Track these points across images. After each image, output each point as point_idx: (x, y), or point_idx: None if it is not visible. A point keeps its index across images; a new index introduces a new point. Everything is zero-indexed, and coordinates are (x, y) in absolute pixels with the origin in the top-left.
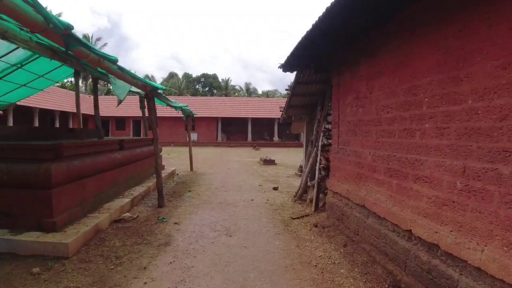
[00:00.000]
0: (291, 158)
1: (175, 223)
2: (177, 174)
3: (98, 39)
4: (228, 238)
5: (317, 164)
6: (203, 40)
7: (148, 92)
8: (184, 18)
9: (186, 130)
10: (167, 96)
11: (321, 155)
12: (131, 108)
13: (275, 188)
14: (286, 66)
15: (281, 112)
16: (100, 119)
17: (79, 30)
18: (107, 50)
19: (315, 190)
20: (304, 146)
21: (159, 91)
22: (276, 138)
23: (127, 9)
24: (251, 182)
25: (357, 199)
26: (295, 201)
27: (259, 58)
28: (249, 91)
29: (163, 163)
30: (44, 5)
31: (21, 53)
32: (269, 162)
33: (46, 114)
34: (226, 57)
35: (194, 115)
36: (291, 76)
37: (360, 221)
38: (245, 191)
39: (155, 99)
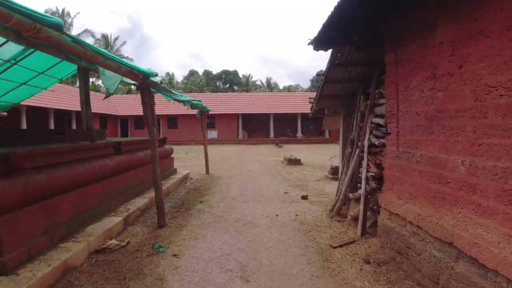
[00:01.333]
0: (317, 156)
1: (174, 255)
2: (191, 178)
3: (116, 38)
4: (244, 285)
5: (364, 171)
6: (223, 37)
7: (141, 81)
8: (203, 15)
9: (203, 128)
10: (182, 93)
11: (369, 160)
12: None
13: (304, 197)
14: (319, 41)
15: (311, 104)
16: (92, 118)
17: (98, 30)
18: (128, 50)
19: (361, 206)
20: (341, 145)
21: (152, 78)
22: (299, 134)
23: (147, 9)
24: (274, 188)
25: (437, 230)
26: (332, 217)
27: (279, 53)
28: (270, 86)
29: (175, 166)
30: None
31: (13, 48)
32: (294, 162)
33: (63, 115)
34: (246, 53)
35: (209, 111)
36: (313, 70)
37: (442, 264)
38: (267, 201)
39: (155, 90)
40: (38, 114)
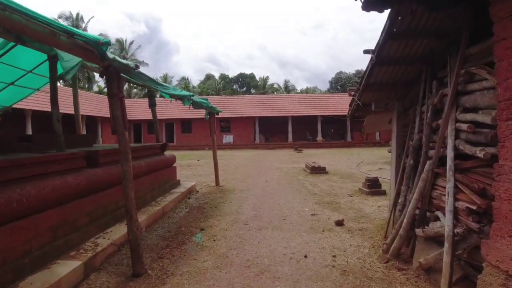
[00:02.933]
0: (342, 162)
1: None
2: (197, 191)
3: (131, 43)
4: None
5: (449, 199)
6: (238, 41)
7: (102, 63)
8: (219, 20)
9: (212, 132)
10: (200, 97)
11: (459, 181)
12: (163, 109)
13: (340, 223)
14: None
15: (351, 98)
16: (59, 120)
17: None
18: (145, 55)
19: (445, 256)
20: (394, 154)
21: (110, 55)
22: (319, 138)
23: (165, 14)
24: (298, 207)
25: None
26: (387, 261)
27: (296, 56)
28: (288, 89)
29: (179, 177)
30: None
31: None
32: (318, 170)
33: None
34: (263, 56)
35: (218, 112)
36: (330, 72)
37: None
38: (291, 228)
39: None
40: (46, 118)
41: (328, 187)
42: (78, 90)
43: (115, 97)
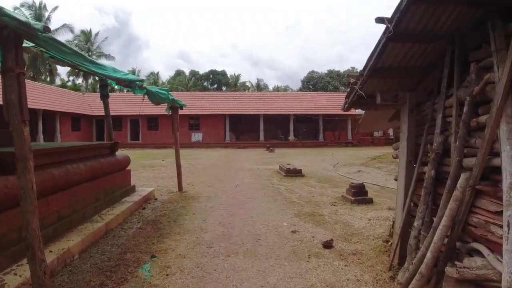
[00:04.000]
0: (318, 164)
1: None
2: (155, 199)
3: (97, 34)
4: None
5: (510, 235)
6: (211, 38)
7: None
8: (191, 16)
9: (174, 129)
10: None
11: None
12: (127, 104)
13: (328, 244)
14: None
15: (351, 88)
16: None
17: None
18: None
19: None
20: (403, 162)
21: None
22: (291, 137)
23: (135, 8)
24: (275, 221)
25: None
26: None
27: (268, 55)
28: (260, 88)
29: (134, 181)
30: None
31: None
32: (293, 172)
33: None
34: (235, 55)
35: (181, 106)
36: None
37: None
38: (267, 255)
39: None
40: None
41: (307, 193)
42: (34, 82)
43: (10, 73)
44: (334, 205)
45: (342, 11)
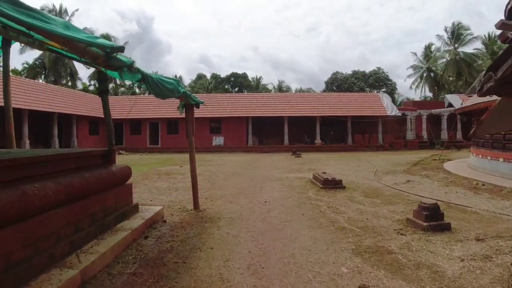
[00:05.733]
0: (354, 171)
1: None
2: (163, 221)
3: (126, 43)
4: None
5: None
6: (232, 43)
7: None
8: (211, 21)
9: (189, 132)
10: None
11: None
12: (146, 107)
13: None
14: None
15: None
16: None
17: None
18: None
19: None
20: None
21: None
22: (318, 141)
23: (157, 13)
24: (329, 267)
25: None
26: None
27: (289, 58)
28: (282, 90)
29: (138, 197)
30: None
31: None
32: (332, 184)
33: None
34: (256, 58)
35: (198, 104)
36: (323, 75)
37: None
38: None
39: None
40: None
41: (357, 213)
42: (48, 84)
43: None
44: (402, 234)
45: (362, 13)
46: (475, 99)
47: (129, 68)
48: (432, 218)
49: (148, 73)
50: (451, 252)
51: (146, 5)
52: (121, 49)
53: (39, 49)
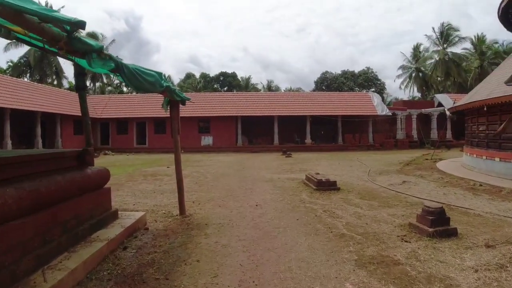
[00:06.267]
0: (347, 171)
1: None
2: (145, 229)
3: (104, 38)
4: None
5: None
6: (221, 43)
7: None
8: (200, 21)
9: (174, 130)
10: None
11: None
12: (133, 106)
13: None
14: None
15: None
16: None
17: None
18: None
19: None
20: None
21: None
22: (308, 140)
23: (145, 13)
24: (332, 283)
25: None
26: None
27: (279, 58)
28: (271, 90)
29: (123, 200)
30: None
31: None
32: (326, 185)
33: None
34: (245, 58)
35: (183, 100)
36: (313, 75)
37: None
38: None
39: None
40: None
41: (356, 218)
42: (32, 83)
43: None
44: (406, 241)
45: (351, 14)
46: (472, 98)
47: (98, 54)
48: (438, 223)
49: (123, 62)
50: (462, 262)
51: (135, 5)
52: (81, 24)
53: (6, 38)
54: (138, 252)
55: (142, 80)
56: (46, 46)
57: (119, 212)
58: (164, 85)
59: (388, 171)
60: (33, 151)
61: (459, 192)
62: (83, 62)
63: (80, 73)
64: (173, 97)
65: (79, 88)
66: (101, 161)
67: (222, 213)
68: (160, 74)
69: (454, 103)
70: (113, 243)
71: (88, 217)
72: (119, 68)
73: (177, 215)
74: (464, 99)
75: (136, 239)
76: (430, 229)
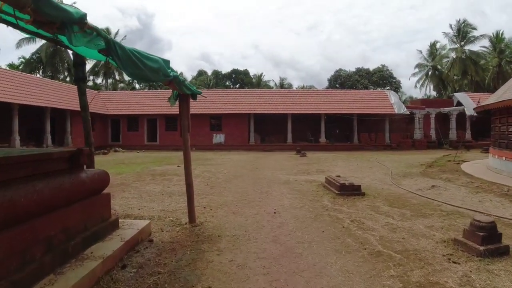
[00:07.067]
0: (367, 173)
1: None
2: (151, 240)
3: (116, 33)
4: None
5: None
6: (232, 40)
7: None
8: (211, 19)
9: (183, 128)
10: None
11: None
12: (144, 103)
13: None
14: None
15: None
16: None
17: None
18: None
19: None
20: None
21: None
22: (323, 139)
23: (157, 10)
24: None
25: None
26: None
27: (290, 56)
28: (284, 87)
29: (126, 205)
30: None
31: None
32: (349, 190)
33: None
34: (256, 56)
35: (195, 94)
36: (325, 73)
37: None
38: None
39: None
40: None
41: (389, 230)
42: (42, 78)
43: None
44: (455, 262)
45: (363, 11)
46: (503, 96)
47: (80, 26)
48: (489, 240)
49: (117, 41)
50: None
51: (147, 2)
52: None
53: None
54: (138, 272)
55: (141, 66)
56: (41, 32)
57: (120, 221)
58: (172, 74)
59: (411, 173)
60: (11, 152)
61: (494, 199)
62: (80, 50)
63: (78, 63)
64: (182, 90)
65: (78, 79)
66: (110, 159)
67: (237, 222)
68: (166, 62)
69: (479, 102)
70: (110, 260)
71: (81, 229)
72: (111, 48)
73: (186, 224)
74: (493, 98)
75: (138, 254)
76: (481, 248)
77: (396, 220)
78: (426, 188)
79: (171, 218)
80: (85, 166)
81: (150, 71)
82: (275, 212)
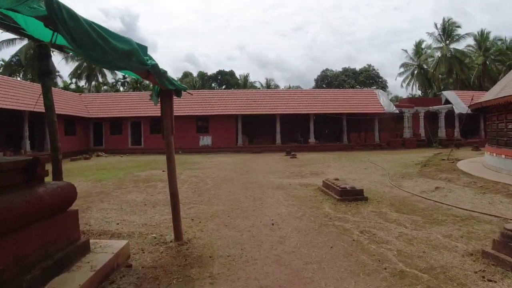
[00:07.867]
0: (363, 174)
1: None
2: (129, 265)
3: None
4: None
5: None
6: (217, 42)
7: None
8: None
9: (166, 128)
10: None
11: None
12: (128, 105)
13: None
14: None
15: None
16: None
17: None
18: None
19: None
20: None
21: None
22: (312, 140)
23: (141, 12)
24: None
25: None
26: None
27: (276, 57)
28: (270, 88)
29: (91, 221)
30: None
31: None
32: (351, 194)
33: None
34: (242, 57)
35: (179, 90)
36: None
37: None
38: None
39: None
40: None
41: (406, 242)
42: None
43: None
44: (490, 280)
45: (348, 13)
46: (501, 93)
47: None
48: None
49: (67, 6)
50: None
51: (131, 4)
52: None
53: None
54: None
55: (105, 46)
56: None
57: (92, 242)
58: (150, 63)
59: (408, 173)
60: None
61: (504, 201)
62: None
63: (43, 54)
64: (163, 84)
65: (42, 73)
66: (91, 164)
67: (230, 237)
68: (143, 47)
69: (472, 99)
70: None
71: (40, 257)
72: (55, 15)
73: (171, 242)
74: (491, 94)
75: (113, 286)
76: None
77: (409, 230)
78: (430, 190)
79: (154, 235)
80: (51, 178)
81: (119, 54)
82: (273, 224)
